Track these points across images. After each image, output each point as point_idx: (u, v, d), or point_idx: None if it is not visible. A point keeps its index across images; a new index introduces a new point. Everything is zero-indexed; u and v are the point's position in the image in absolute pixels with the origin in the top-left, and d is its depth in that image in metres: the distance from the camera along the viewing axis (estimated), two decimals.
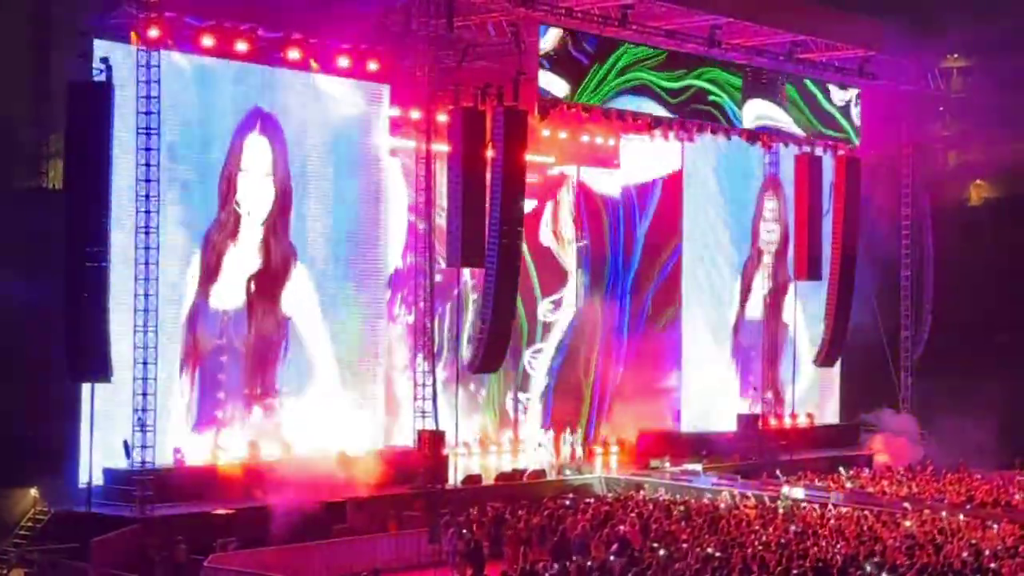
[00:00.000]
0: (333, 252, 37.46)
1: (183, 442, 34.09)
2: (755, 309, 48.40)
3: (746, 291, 48.34)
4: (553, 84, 37.25)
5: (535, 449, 41.82)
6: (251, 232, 35.94)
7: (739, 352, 47.91)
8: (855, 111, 45.66)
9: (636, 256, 46.32)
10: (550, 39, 37.01)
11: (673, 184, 46.42)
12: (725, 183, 47.65)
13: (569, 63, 37.49)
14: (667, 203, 46.51)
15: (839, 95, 45.19)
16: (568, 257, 44.76)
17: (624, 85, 38.88)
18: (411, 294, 38.29)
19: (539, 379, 43.89)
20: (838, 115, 45.35)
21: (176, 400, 34.33)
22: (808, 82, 44.11)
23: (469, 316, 41.11)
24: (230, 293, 35.54)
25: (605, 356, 45.40)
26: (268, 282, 36.21)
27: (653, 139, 43.93)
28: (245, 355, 35.73)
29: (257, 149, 35.98)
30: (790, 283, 48.62)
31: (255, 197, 35.96)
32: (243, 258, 35.76)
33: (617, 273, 46.00)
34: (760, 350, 48.11)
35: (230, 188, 35.46)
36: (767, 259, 48.71)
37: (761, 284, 48.51)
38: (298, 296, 36.71)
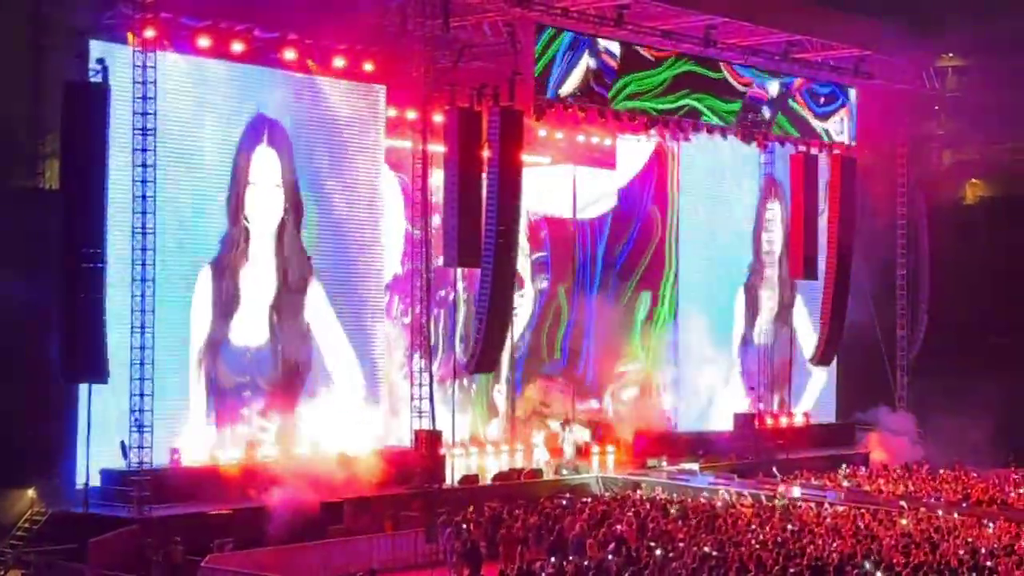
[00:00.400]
0: (332, 254, 37.42)
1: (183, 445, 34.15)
2: (762, 335, 48.16)
3: (752, 307, 48.15)
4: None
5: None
6: (263, 245, 35.88)
7: (745, 372, 47.72)
8: (835, 128, 45.62)
9: (601, 252, 46.39)
10: (574, 79, 37.37)
11: (644, 179, 46.61)
12: (723, 182, 47.70)
13: (592, 95, 37.91)
14: (639, 195, 46.70)
15: (820, 124, 45.18)
16: (524, 268, 44.72)
17: (626, 108, 39.22)
18: (408, 295, 38.31)
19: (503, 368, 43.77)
20: (824, 136, 45.38)
21: (193, 421, 34.53)
22: (796, 107, 44.15)
23: (461, 316, 41.14)
24: (253, 327, 35.58)
25: (574, 348, 45.43)
26: (288, 308, 36.26)
27: (650, 139, 43.99)
28: (270, 393, 35.83)
29: (265, 161, 35.97)
30: (795, 296, 48.54)
31: (264, 209, 35.92)
32: (259, 278, 35.68)
33: (586, 268, 46.04)
34: (765, 368, 47.96)
35: (239, 202, 35.43)
36: (770, 259, 48.54)
37: (768, 303, 48.33)
38: (315, 312, 36.76)
